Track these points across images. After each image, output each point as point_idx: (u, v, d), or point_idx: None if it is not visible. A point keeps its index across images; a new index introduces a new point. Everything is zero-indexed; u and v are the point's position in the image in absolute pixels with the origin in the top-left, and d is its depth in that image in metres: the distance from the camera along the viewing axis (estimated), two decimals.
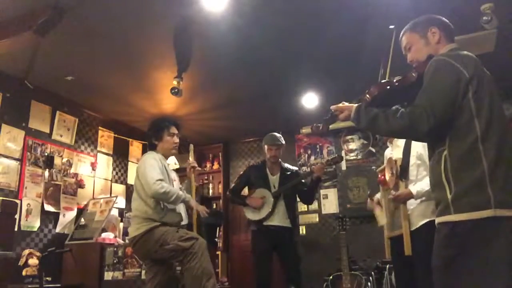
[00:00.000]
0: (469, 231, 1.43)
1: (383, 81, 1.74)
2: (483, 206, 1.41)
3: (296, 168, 4.19)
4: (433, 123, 1.48)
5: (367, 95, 1.68)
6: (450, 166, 1.50)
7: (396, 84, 1.69)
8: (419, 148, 2.55)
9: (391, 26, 1.99)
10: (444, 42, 1.72)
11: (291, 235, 3.83)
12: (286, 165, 4.05)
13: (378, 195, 3.01)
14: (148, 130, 3.24)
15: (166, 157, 3.20)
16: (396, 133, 1.72)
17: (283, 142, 3.97)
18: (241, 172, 4.17)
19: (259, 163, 4.15)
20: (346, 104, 1.77)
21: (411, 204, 2.55)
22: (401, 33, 1.83)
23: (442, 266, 1.48)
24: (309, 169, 5.88)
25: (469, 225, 1.43)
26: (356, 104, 1.70)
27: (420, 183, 2.51)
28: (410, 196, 2.51)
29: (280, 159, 3.99)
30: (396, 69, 1.87)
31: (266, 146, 3.96)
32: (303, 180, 3.95)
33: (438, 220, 1.55)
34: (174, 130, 3.17)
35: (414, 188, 2.51)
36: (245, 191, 4.12)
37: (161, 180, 2.83)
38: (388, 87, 1.69)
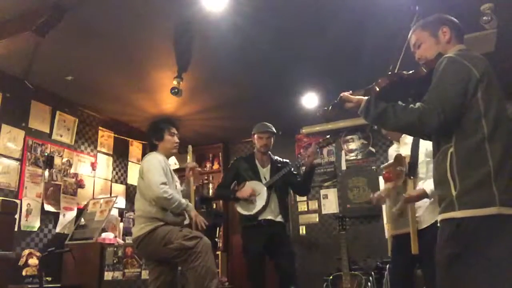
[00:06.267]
0: (474, 229, 1.43)
1: (391, 73, 1.74)
2: (488, 204, 1.42)
3: (287, 160, 3.89)
4: (443, 120, 1.49)
5: (376, 86, 1.68)
6: (456, 163, 1.51)
7: (406, 77, 1.69)
8: (428, 145, 2.54)
9: (416, 8, 2.00)
10: (454, 42, 1.73)
11: (284, 230, 3.67)
12: (276, 157, 3.83)
13: (380, 192, 2.97)
14: (148, 131, 3.24)
15: (168, 157, 3.19)
16: (404, 128, 1.71)
17: (274, 130, 3.77)
18: (228, 166, 3.94)
19: (247, 155, 3.90)
20: (356, 97, 1.75)
21: (423, 201, 2.53)
22: (411, 31, 1.84)
23: (446, 263, 1.48)
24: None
25: (474, 222, 1.43)
26: (366, 97, 1.69)
27: (431, 180, 2.49)
28: (424, 195, 2.48)
29: (269, 152, 3.79)
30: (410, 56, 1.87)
31: (256, 135, 3.75)
32: (294, 172, 3.75)
33: (441, 216, 1.55)
34: (174, 130, 3.17)
35: (426, 186, 2.49)
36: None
37: (165, 183, 2.83)
38: (397, 79, 1.68)
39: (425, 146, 2.56)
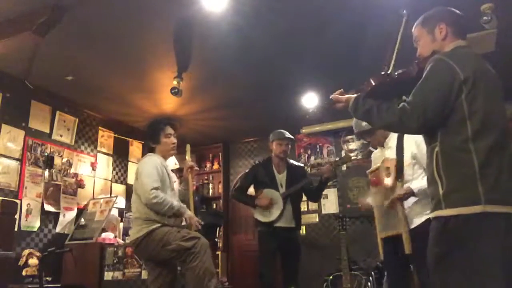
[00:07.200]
0: (460, 227, 1.45)
1: (383, 73, 1.78)
2: (473, 202, 1.44)
3: (302, 165, 4.16)
4: (422, 122, 1.52)
5: (366, 86, 1.72)
6: (442, 163, 1.52)
7: (396, 77, 1.72)
8: (412, 148, 2.58)
9: (404, 12, 2.02)
10: (451, 38, 1.70)
11: (296, 235, 3.85)
12: (292, 162, 4.03)
13: (369, 200, 2.99)
14: (145, 134, 3.23)
15: (166, 158, 3.17)
16: (387, 127, 1.76)
17: (292, 137, 3.97)
18: (247, 171, 4.14)
19: (264, 161, 4.05)
20: (345, 96, 1.81)
21: (409, 202, 2.56)
22: (414, 24, 1.84)
23: (435, 262, 1.50)
24: (309, 170, 5.89)
25: (460, 220, 1.44)
26: (355, 95, 1.74)
27: (419, 181, 2.52)
28: (411, 193, 2.51)
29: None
30: (404, 54, 1.89)
31: (275, 142, 3.90)
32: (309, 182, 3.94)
33: (431, 215, 1.58)
34: (170, 130, 3.11)
35: (413, 186, 2.52)
36: (251, 190, 4.07)
37: (156, 188, 2.79)
38: (388, 80, 1.72)
39: (410, 149, 2.59)
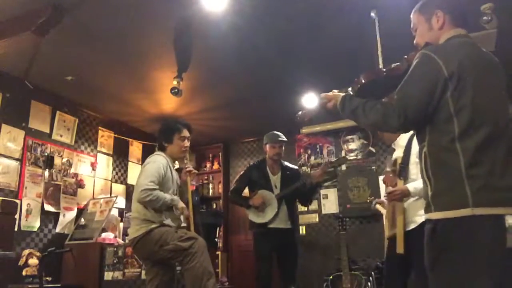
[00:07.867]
0: (448, 231, 1.39)
1: (372, 70, 1.74)
2: (461, 205, 1.37)
3: (297, 167, 4.16)
4: (403, 121, 1.46)
5: (356, 84, 1.70)
6: (430, 164, 1.47)
7: (384, 74, 1.69)
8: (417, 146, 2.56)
9: (372, 13, 1.99)
10: (448, 27, 1.62)
11: (292, 236, 3.84)
12: (286, 163, 4.03)
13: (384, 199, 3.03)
14: (159, 131, 3.18)
15: (175, 160, 3.15)
16: (373, 126, 1.68)
17: (286, 139, 3.97)
18: (242, 172, 4.13)
19: (259, 163, 4.08)
20: (336, 92, 1.77)
21: (407, 201, 2.55)
22: (412, 11, 1.75)
23: (429, 266, 1.45)
24: (309, 170, 5.90)
25: (449, 223, 1.39)
26: (343, 94, 1.70)
27: (418, 181, 2.50)
28: (406, 193, 2.50)
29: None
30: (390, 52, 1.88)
31: (268, 145, 3.91)
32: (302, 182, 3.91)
33: (424, 217, 1.53)
34: (185, 133, 3.09)
35: (410, 185, 2.51)
36: (245, 192, 4.08)
37: (149, 189, 2.76)
38: (375, 77, 1.70)
39: (416, 147, 2.56)
